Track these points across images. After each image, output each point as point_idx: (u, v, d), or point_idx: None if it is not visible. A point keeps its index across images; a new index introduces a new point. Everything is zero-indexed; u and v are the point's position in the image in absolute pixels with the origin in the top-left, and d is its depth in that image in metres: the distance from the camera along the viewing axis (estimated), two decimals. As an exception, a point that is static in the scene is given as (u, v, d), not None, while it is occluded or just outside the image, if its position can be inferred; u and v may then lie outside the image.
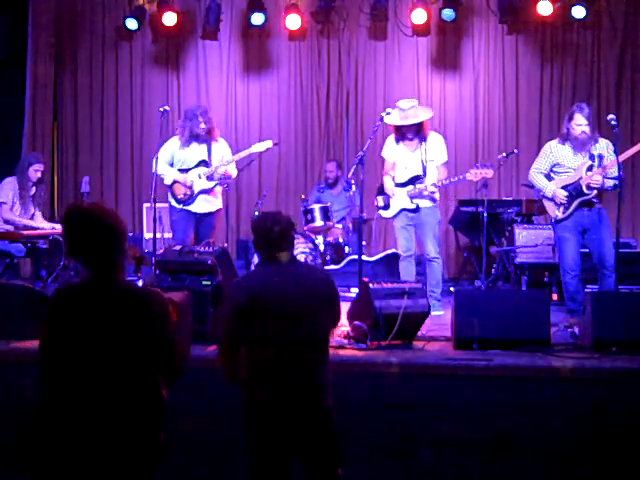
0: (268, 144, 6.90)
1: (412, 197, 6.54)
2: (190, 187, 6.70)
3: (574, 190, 5.93)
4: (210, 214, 6.80)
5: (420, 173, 6.53)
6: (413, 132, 6.54)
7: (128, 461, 2.57)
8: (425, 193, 6.52)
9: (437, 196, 6.65)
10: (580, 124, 5.89)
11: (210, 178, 6.71)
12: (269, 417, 3.23)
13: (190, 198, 6.72)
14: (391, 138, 6.73)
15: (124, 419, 2.56)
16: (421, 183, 6.50)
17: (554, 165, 6.04)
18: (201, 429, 4.67)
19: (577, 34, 9.25)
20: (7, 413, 4.71)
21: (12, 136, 9.47)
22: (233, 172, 6.89)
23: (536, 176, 6.11)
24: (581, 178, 5.90)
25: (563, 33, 9.27)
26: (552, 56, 9.32)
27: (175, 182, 6.73)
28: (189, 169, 6.73)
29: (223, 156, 6.79)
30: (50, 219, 8.17)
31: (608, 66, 9.21)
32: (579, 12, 8.73)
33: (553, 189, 5.99)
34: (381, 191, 6.78)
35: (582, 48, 9.27)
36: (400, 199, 6.58)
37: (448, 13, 8.95)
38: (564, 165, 6.00)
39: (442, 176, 6.58)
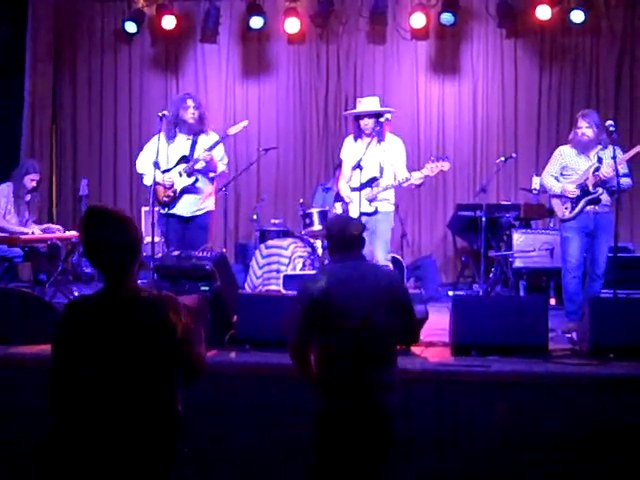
0: (244, 123, 6.51)
1: (370, 200, 6.22)
2: (171, 187, 6.16)
3: (580, 190, 5.99)
4: (197, 217, 6.27)
5: (377, 175, 6.25)
6: (371, 127, 6.20)
7: (142, 476, 2.54)
8: (380, 196, 6.21)
9: (393, 201, 6.36)
10: (580, 127, 6.02)
11: (190, 174, 6.18)
12: (340, 416, 3.26)
13: (174, 200, 6.20)
14: (349, 138, 6.49)
15: (139, 435, 2.52)
16: (377, 185, 6.23)
17: (563, 168, 6.15)
18: (198, 435, 4.67)
19: (576, 38, 9.24)
20: (8, 416, 4.72)
21: (11, 139, 9.47)
22: (220, 166, 6.32)
23: (547, 178, 6.21)
24: (587, 179, 5.98)
25: (562, 37, 9.26)
26: (551, 60, 9.31)
27: (156, 183, 6.10)
28: (170, 169, 6.21)
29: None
30: (49, 221, 8.14)
31: (607, 70, 9.20)
32: (578, 16, 8.73)
33: (561, 185, 6.07)
34: (338, 198, 6.65)
35: (581, 52, 9.26)
36: (357, 204, 6.14)
37: (447, 17, 8.95)
38: (571, 168, 6.09)
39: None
